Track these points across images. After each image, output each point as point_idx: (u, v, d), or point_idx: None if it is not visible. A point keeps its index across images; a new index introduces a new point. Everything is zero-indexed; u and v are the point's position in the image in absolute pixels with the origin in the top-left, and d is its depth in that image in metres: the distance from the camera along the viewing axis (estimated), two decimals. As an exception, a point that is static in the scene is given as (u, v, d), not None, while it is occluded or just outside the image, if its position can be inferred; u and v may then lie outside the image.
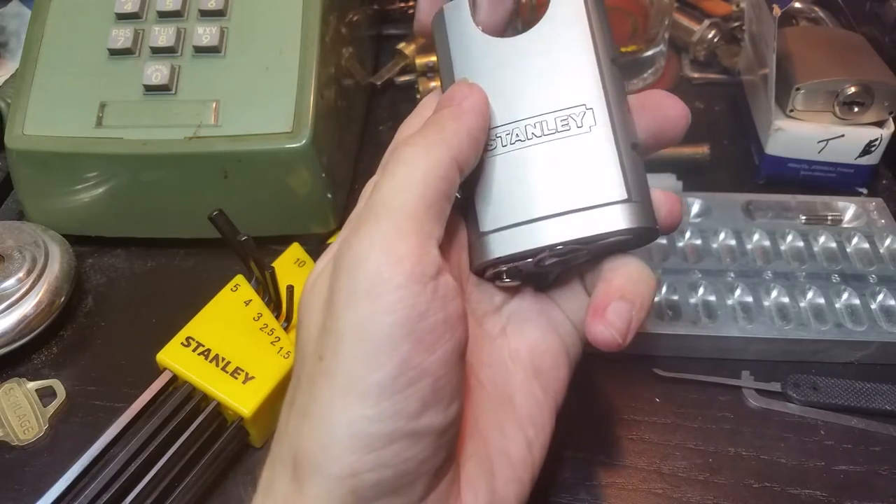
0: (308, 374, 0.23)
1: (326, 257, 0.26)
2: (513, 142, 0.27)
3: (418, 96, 0.56)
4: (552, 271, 0.28)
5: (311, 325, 0.24)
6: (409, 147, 0.25)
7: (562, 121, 0.26)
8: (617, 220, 0.25)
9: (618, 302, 0.25)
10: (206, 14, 0.45)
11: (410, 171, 0.24)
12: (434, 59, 0.57)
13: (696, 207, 0.46)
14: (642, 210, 0.26)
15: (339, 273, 0.23)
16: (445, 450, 0.23)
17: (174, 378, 0.37)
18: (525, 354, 0.28)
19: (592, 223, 0.25)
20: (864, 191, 0.49)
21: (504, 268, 0.27)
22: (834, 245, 0.43)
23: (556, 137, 0.26)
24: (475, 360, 0.27)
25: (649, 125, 0.27)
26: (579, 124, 0.26)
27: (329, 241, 0.45)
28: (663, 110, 0.27)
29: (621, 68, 0.28)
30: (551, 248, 0.26)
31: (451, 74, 0.28)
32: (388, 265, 0.22)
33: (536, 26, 0.28)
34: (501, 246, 0.26)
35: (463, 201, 0.27)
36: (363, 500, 0.22)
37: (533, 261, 0.27)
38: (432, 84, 0.56)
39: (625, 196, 0.25)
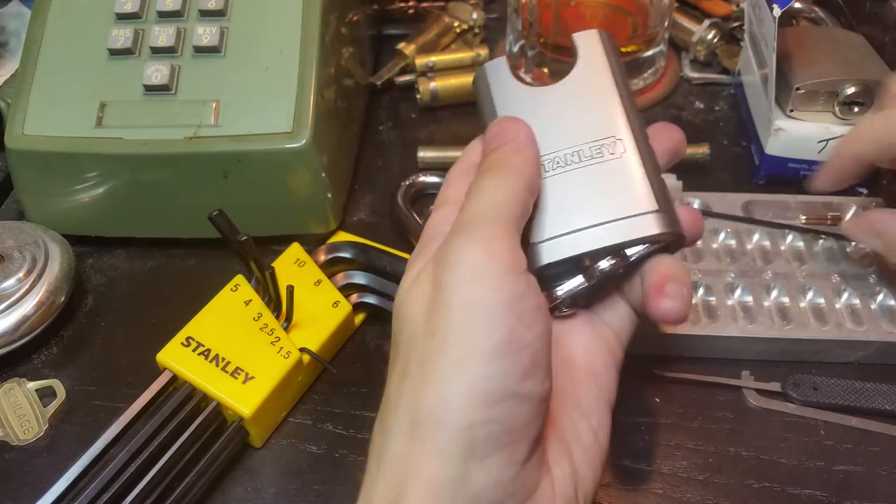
0: (420, 349, 0.26)
1: (419, 264, 0.29)
2: (554, 168, 0.30)
3: (418, 96, 0.56)
4: (598, 286, 0.31)
5: (416, 312, 0.27)
6: (488, 178, 0.29)
7: (596, 149, 0.30)
8: (651, 226, 0.29)
9: (671, 282, 0.29)
10: (206, 14, 0.45)
11: (493, 194, 0.28)
12: (433, 58, 0.57)
13: (696, 207, 0.46)
14: (671, 218, 0.29)
15: (443, 268, 0.26)
16: (541, 418, 0.26)
17: (174, 378, 0.37)
18: (580, 357, 0.31)
19: (629, 230, 0.29)
20: (864, 191, 0.49)
21: (560, 293, 0.30)
22: (834, 245, 0.43)
23: (591, 163, 0.30)
24: None
25: (663, 145, 0.32)
26: (612, 151, 0.30)
27: (329, 240, 0.45)
28: (671, 133, 0.33)
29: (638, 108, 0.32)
30: (594, 252, 0.29)
31: (495, 118, 0.32)
32: (489, 258, 0.26)
33: (569, 76, 0.32)
34: (549, 253, 0.29)
35: None
36: (477, 454, 0.24)
37: (584, 278, 0.30)
38: (432, 84, 0.56)
39: (655, 207, 0.29)
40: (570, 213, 0.30)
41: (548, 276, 0.30)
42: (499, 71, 0.33)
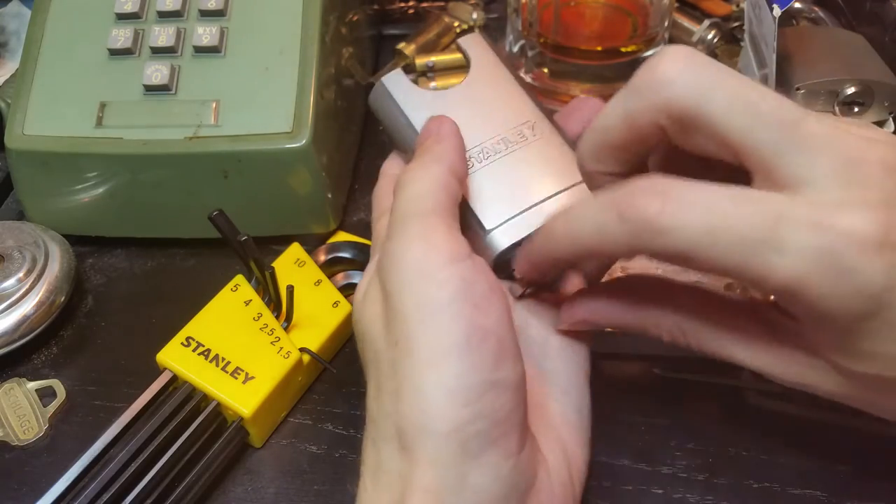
0: (388, 362, 0.26)
1: (368, 274, 0.29)
2: (486, 157, 0.32)
3: (418, 96, 0.56)
4: None
5: (374, 324, 0.27)
6: (409, 171, 0.29)
7: (518, 134, 0.33)
8: None
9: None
10: (206, 14, 0.45)
11: (417, 185, 0.28)
12: (433, 58, 0.57)
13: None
14: None
15: (387, 273, 0.26)
16: (524, 404, 0.26)
17: (174, 378, 0.37)
18: (550, 335, 0.31)
19: (574, 199, 0.31)
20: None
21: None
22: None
23: (518, 147, 0.33)
24: None
25: (584, 119, 0.34)
26: (533, 133, 0.33)
27: (329, 240, 0.45)
28: (590, 107, 0.34)
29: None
30: None
31: (411, 127, 0.34)
32: (428, 252, 0.25)
33: (469, 76, 0.35)
34: (506, 237, 0.31)
35: (461, 218, 0.30)
36: (471, 453, 0.24)
37: None
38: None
39: None
40: (515, 195, 0.31)
41: (508, 261, 0.31)
42: (399, 83, 0.34)
